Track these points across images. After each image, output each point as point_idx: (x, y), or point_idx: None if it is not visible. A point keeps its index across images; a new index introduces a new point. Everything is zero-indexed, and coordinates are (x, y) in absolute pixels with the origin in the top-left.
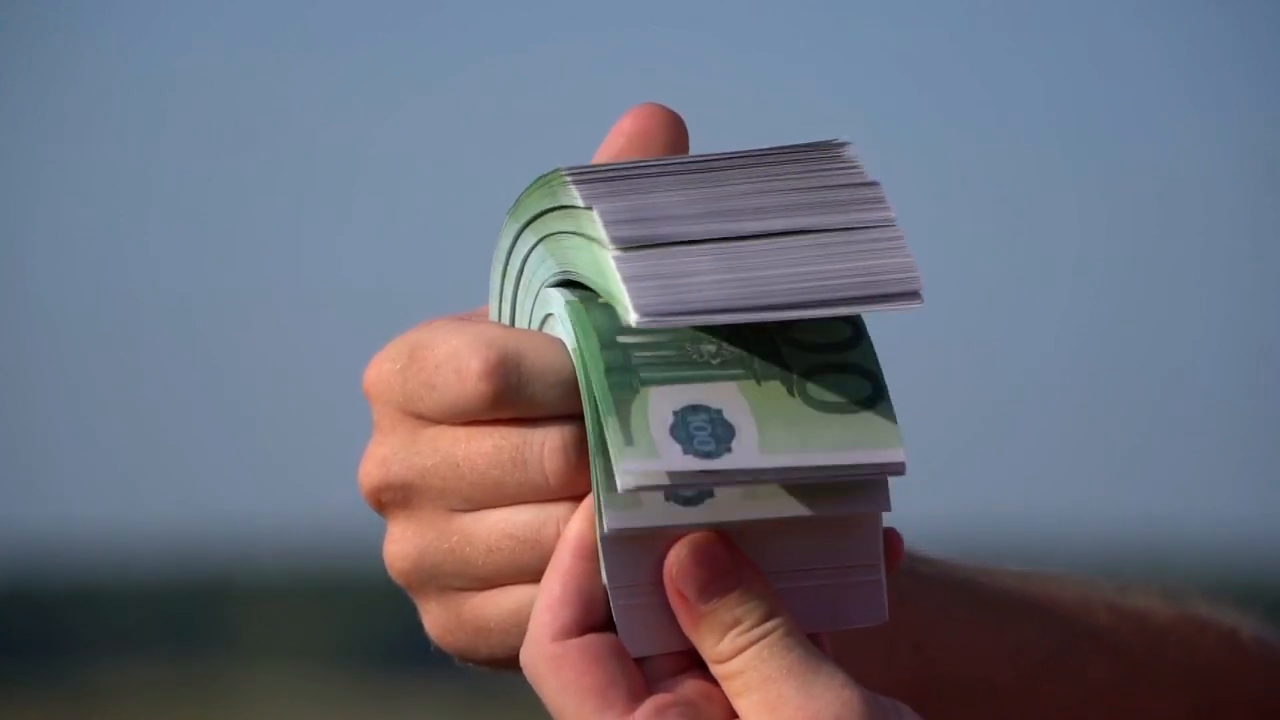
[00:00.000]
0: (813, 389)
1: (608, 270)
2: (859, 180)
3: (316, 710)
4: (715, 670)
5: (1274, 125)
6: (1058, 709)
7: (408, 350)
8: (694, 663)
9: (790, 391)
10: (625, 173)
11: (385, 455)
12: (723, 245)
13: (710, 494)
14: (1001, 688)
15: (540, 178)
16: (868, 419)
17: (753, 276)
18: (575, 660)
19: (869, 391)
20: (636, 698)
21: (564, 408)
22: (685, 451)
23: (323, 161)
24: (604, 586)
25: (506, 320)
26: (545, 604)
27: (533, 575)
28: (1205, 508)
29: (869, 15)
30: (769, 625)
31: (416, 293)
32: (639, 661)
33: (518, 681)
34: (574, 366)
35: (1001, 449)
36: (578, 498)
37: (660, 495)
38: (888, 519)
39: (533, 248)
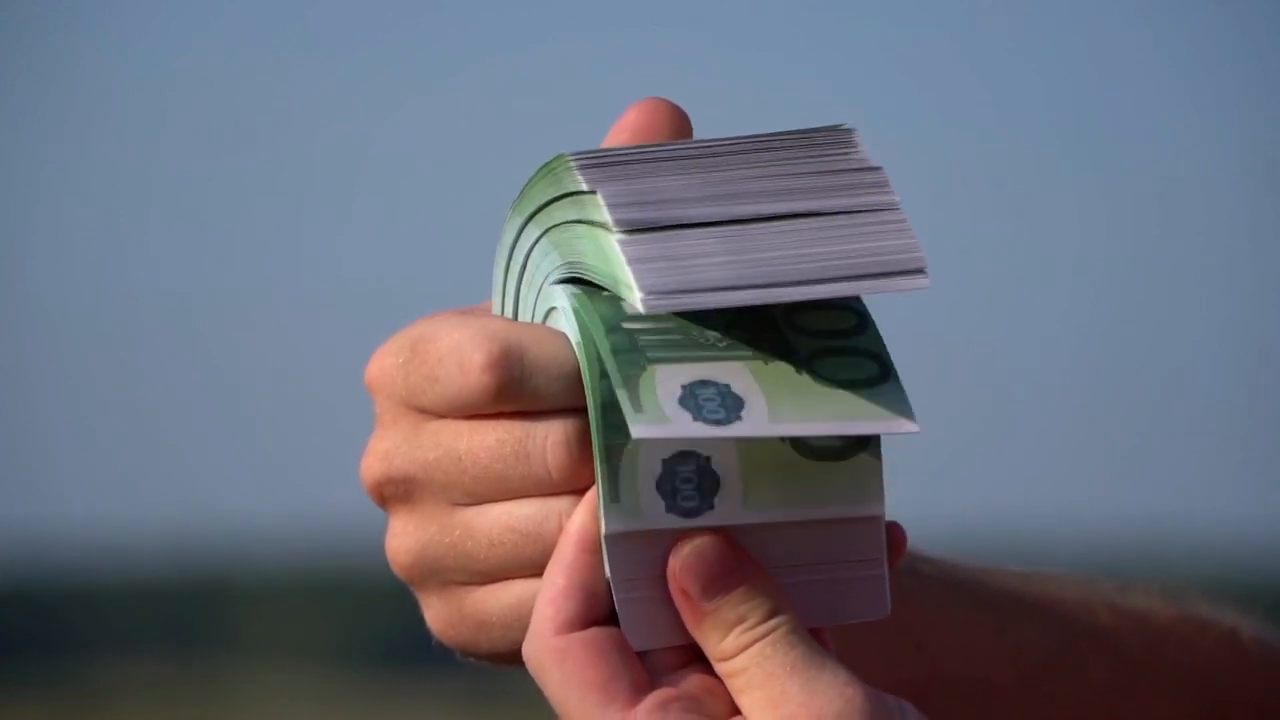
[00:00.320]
0: (820, 368)
1: (612, 255)
2: (863, 165)
3: (316, 709)
4: (719, 668)
5: (1274, 125)
6: (1058, 709)
7: (410, 344)
8: (697, 657)
9: (798, 370)
10: (630, 157)
11: (387, 449)
12: (727, 228)
13: (710, 506)
14: (1002, 687)
15: (544, 165)
16: (877, 393)
17: (758, 258)
18: (578, 654)
19: (876, 371)
20: (640, 692)
21: (567, 401)
22: (668, 509)
23: (323, 161)
24: (607, 580)
25: (509, 316)
26: (548, 597)
27: (535, 569)
28: (1205, 508)
29: (869, 15)
30: (773, 623)
31: (416, 292)
32: (642, 655)
33: (517, 681)
34: (577, 360)
35: (1001, 449)
36: (580, 491)
37: (662, 506)
38: (888, 515)
39: (536, 241)
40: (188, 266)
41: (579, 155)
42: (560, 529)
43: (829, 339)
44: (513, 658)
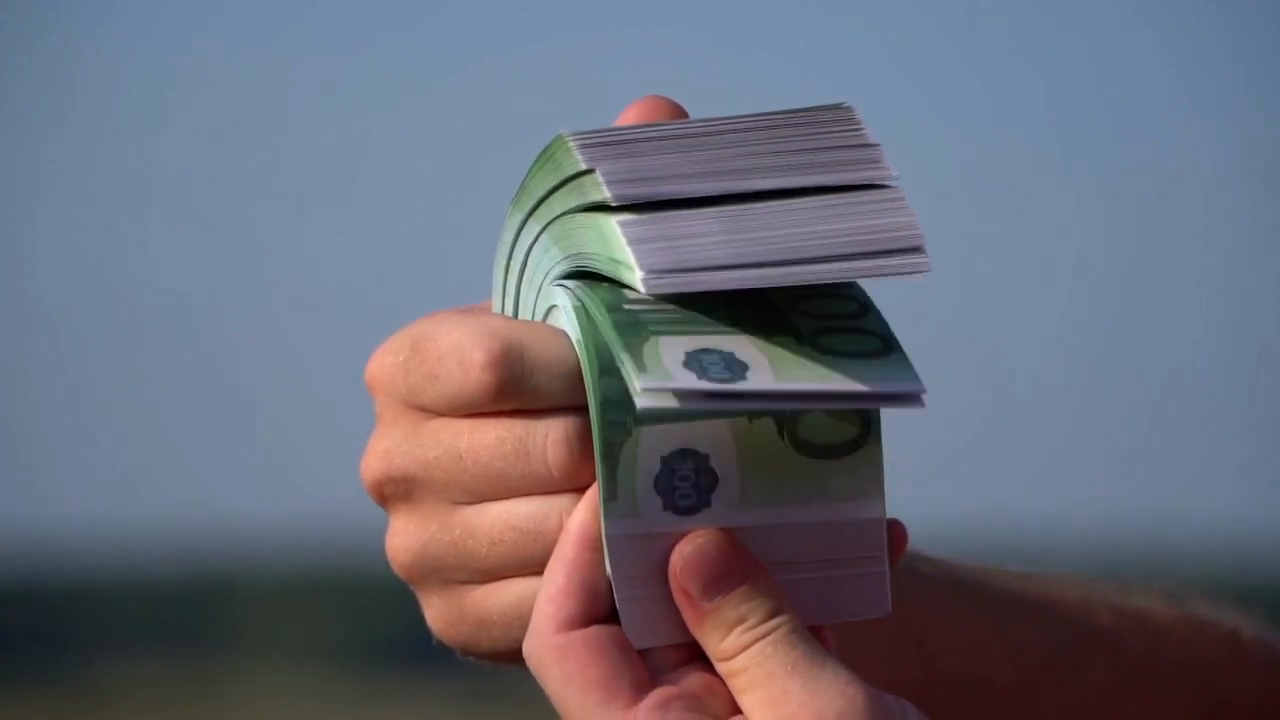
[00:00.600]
0: (824, 342)
1: (612, 238)
2: (861, 142)
3: (316, 708)
4: (720, 667)
5: (1274, 125)
6: (1058, 708)
7: (410, 343)
8: (697, 655)
9: (780, 432)
10: (628, 136)
11: (388, 448)
12: (726, 208)
13: (708, 504)
14: (1002, 687)
15: (544, 150)
16: (852, 464)
17: (756, 236)
18: (579, 652)
19: (858, 431)
20: (641, 690)
21: (567, 399)
22: (665, 507)
23: (323, 160)
24: (608, 578)
25: (510, 314)
26: (549, 595)
27: (535, 567)
28: (1205, 507)
29: (869, 15)
30: (774, 623)
31: (416, 291)
32: (642, 653)
33: (517, 680)
34: (577, 358)
35: (1001, 448)
36: (581, 489)
37: (659, 504)
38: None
39: (536, 238)
40: (188, 266)
41: (578, 136)
42: (561, 527)
43: (832, 320)
44: (513, 656)
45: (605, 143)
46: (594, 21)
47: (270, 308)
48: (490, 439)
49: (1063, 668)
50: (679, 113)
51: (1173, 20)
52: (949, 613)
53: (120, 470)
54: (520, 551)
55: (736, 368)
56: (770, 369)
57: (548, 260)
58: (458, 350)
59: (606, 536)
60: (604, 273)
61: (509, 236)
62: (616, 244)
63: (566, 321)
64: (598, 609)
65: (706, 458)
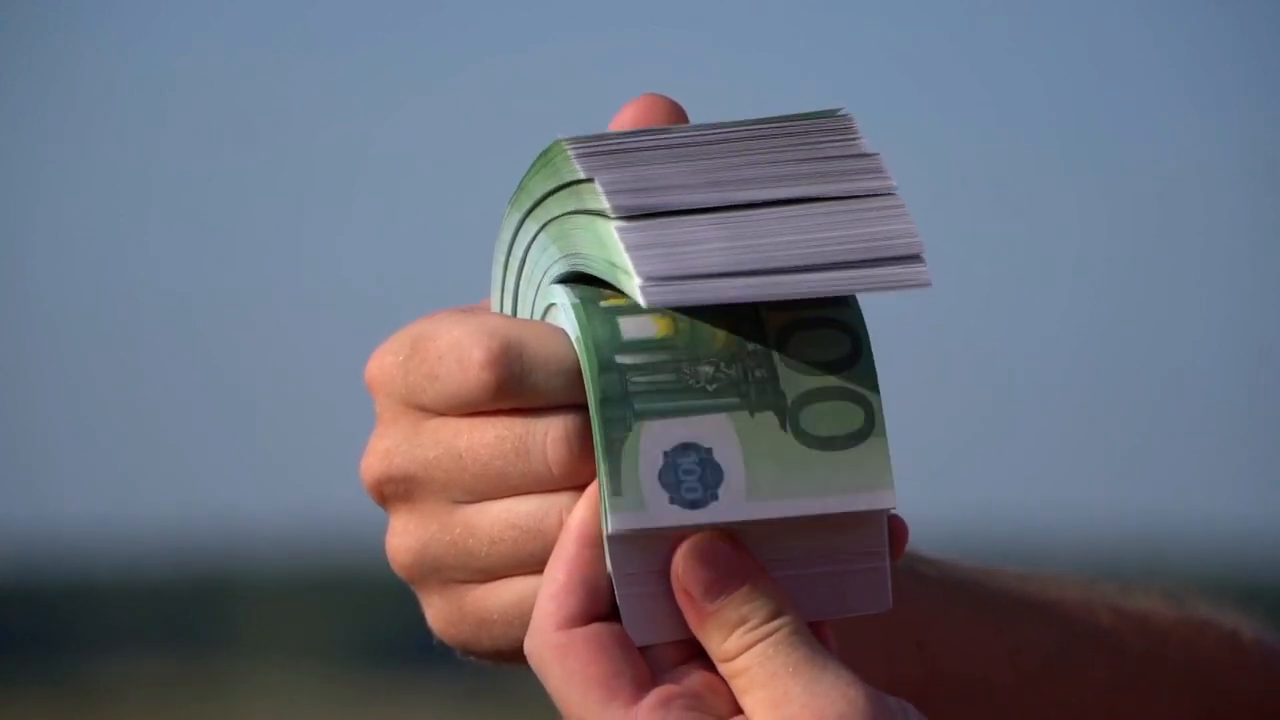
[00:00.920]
0: (805, 421)
1: (610, 243)
2: (859, 151)
3: (316, 707)
4: (721, 668)
5: (1274, 125)
6: (1058, 709)
7: (410, 342)
8: (698, 652)
9: (783, 424)
10: (626, 145)
11: (387, 448)
12: (725, 215)
13: (715, 497)
14: (1002, 687)
15: (542, 154)
16: (859, 456)
17: (755, 244)
18: (580, 649)
19: (861, 423)
20: (642, 688)
21: (567, 397)
22: (672, 501)
23: (323, 160)
24: (608, 575)
25: (509, 313)
26: (550, 592)
27: (536, 566)
28: (1205, 507)
29: (869, 14)
30: (775, 624)
31: (416, 291)
32: (643, 650)
33: (517, 680)
34: (577, 356)
35: (1001, 448)
36: (581, 487)
37: (665, 498)
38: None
39: (534, 237)
40: (187, 266)
41: (576, 143)
42: (561, 524)
43: (821, 374)
44: (514, 656)
45: (604, 151)
46: (594, 21)
47: (270, 307)
48: (490, 437)
49: (1063, 668)
50: (677, 112)
51: (1173, 20)
52: (949, 613)
53: (120, 470)
54: (521, 550)
55: (711, 477)
56: (744, 478)
57: (546, 258)
58: (457, 349)
59: (611, 532)
60: (601, 276)
61: (507, 235)
62: (615, 249)
63: (565, 319)
64: (599, 606)
65: (710, 451)
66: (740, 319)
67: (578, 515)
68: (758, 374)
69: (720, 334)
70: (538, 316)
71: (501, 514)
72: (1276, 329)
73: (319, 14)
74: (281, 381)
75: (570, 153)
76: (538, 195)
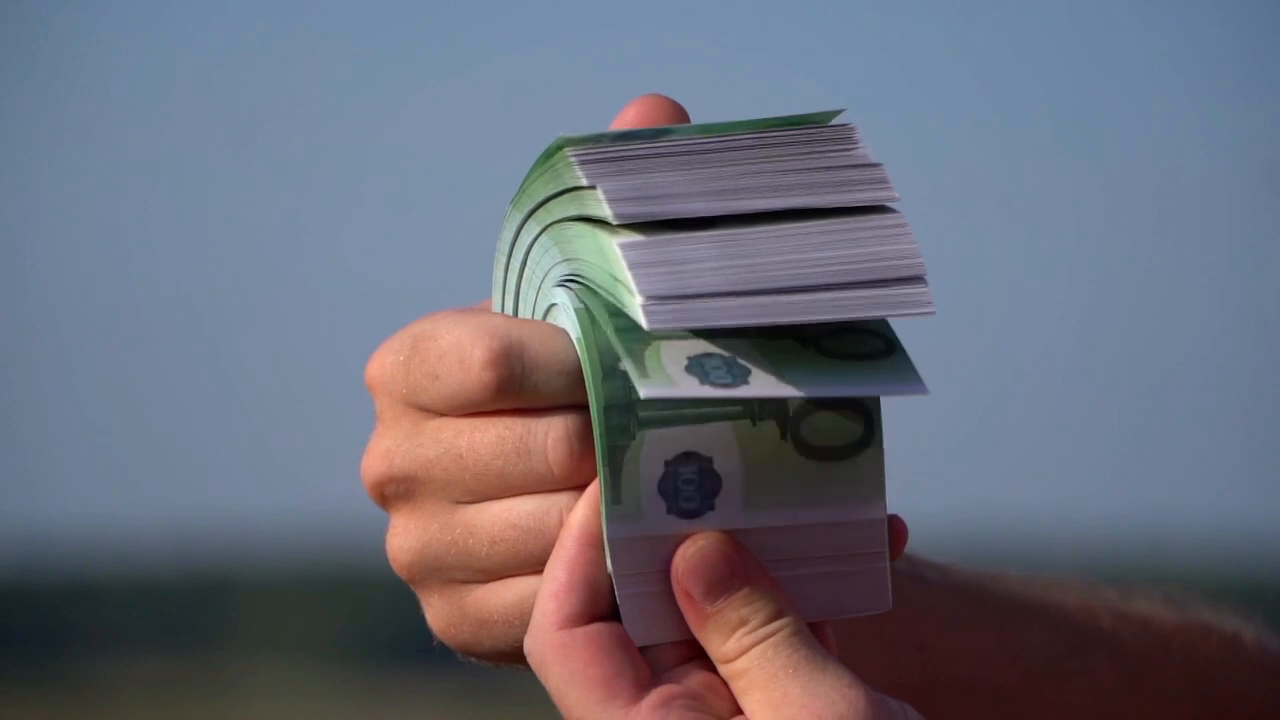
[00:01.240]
0: (806, 430)
1: (611, 255)
2: (863, 161)
3: (315, 705)
4: (722, 670)
5: (1274, 125)
6: (1060, 712)
7: (411, 342)
8: (698, 652)
9: (783, 435)
10: (628, 152)
11: (388, 448)
12: (725, 231)
13: (711, 507)
14: (1005, 690)
15: (544, 154)
16: (854, 466)
17: (754, 263)
18: (581, 649)
19: (860, 433)
20: (642, 689)
21: (568, 397)
22: (669, 510)
23: (325, 159)
24: (609, 575)
25: (510, 313)
26: (551, 591)
27: (536, 566)
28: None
29: (870, 14)
30: (775, 625)
31: (418, 289)
32: (643, 650)
33: (516, 678)
34: (578, 356)
35: (1000, 448)
36: (581, 487)
37: (663, 507)
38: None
39: (536, 238)
40: (188, 263)
41: (578, 148)
42: (561, 525)
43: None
44: (514, 656)
45: (606, 159)
46: (594, 21)
47: (270, 307)
48: (491, 437)
49: (1065, 672)
50: (678, 112)
51: (1173, 20)
52: (951, 617)
53: (120, 469)
54: (521, 550)
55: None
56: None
57: (548, 259)
58: (458, 348)
59: (609, 539)
60: (600, 285)
61: (509, 235)
62: (616, 263)
63: (567, 320)
64: (599, 606)
65: (710, 460)
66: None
67: (578, 515)
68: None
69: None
70: (539, 317)
71: (502, 514)
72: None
73: (322, 13)
74: (282, 381)
75: (572, 159)
76: (540, 198)
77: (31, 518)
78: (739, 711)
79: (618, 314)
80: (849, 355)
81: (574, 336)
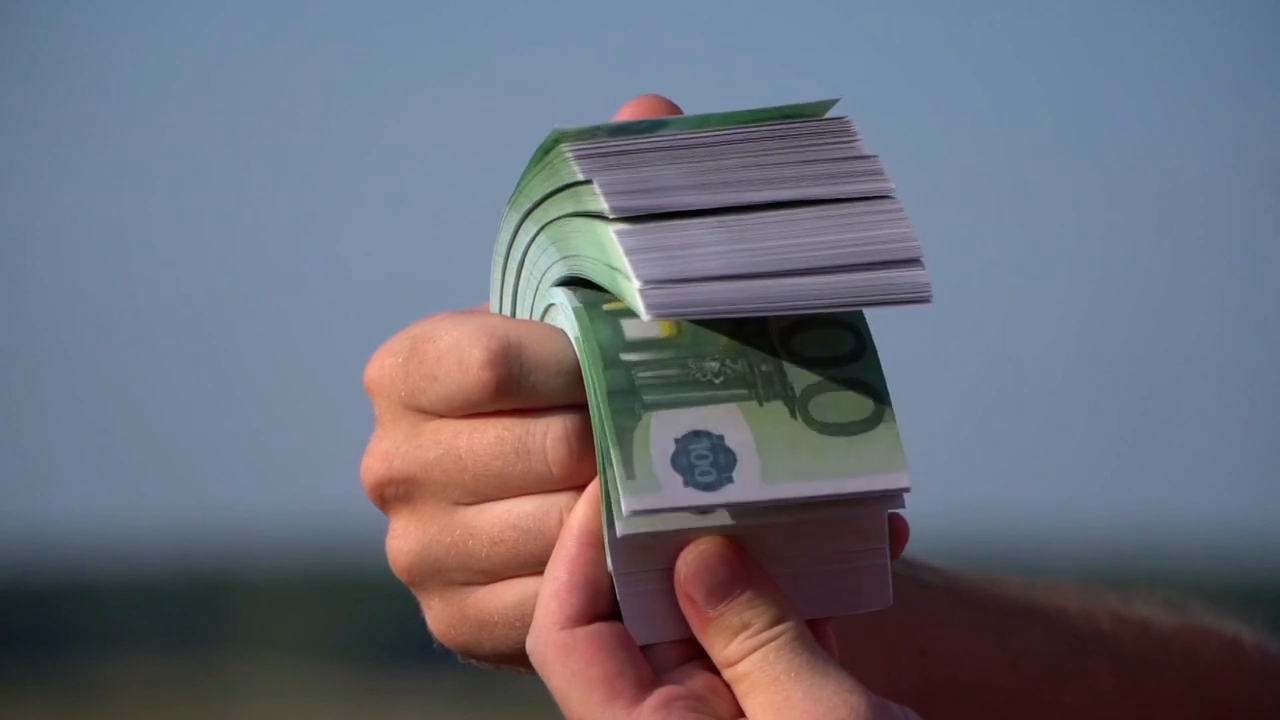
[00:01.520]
0: (815, 408)
1: (609, 246)
2: (858, 154)
3: (315, 705)
4: (725, 673)
5: (1274, 125)
6: (1060, 714)
7: (409, 343)
8: (700, 651)
9: (792, 413)
10: (625, 146)
11: (387, 450)
12: (724, 218)
13: (730, 480)
14: (1005, 693)
15: (540, 150)
16: (871, 440)
17: (753, 247)
18: (583, 649)
19: (871, 410)
20: (644, 689)
21: (566, 397)
22: (686, 484)
23: (325, 159)
24: (609, 574)
25: (508, 313)
26: (552, 591)
27: (536, 566)
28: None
29: (871, 13)
30: (777, 629)
31: (418, 289)
32: (645, 650)
33: (515, 678)
34: (576, 356)
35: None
36: (580, 487)
37: (680, 481)
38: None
39: (533, 238)
40: (188, 263)
41: (575, 143)
42: (561, 525)
43: (826, 368)
44: (514, 658)
45: (602, 153)
46: (594, 21)
47: (270, 307)
48: (490, 438)
49: (1065, 674)
50: (675, 112)
51: (1173, 20)
52: (951, 620)
53: (120, 469)
54: (521, 550)
55: (724, 463)
56: (758, 463)
57: (545, 259)
58: (456, 349)
59: (626, 513)
60: (599, 279)
61: (506, 236)
62: (614, 252)
63: (565, 320)
64: (600, 606)
65: (721, 437)
66: (743, 320)
67: (578, 514)
68: (764, 368)
69: (724, 334)
70: (537, 317)
71: (502, 515)
72: (1277, 329)
73: (319, 14)
74: (282, 381)
75: (569, 154)
76: (537, 197)
77: (31, 518)
78: (741, 714)
79: (613, 362)
80: (837, 426)
81: (572, 336)
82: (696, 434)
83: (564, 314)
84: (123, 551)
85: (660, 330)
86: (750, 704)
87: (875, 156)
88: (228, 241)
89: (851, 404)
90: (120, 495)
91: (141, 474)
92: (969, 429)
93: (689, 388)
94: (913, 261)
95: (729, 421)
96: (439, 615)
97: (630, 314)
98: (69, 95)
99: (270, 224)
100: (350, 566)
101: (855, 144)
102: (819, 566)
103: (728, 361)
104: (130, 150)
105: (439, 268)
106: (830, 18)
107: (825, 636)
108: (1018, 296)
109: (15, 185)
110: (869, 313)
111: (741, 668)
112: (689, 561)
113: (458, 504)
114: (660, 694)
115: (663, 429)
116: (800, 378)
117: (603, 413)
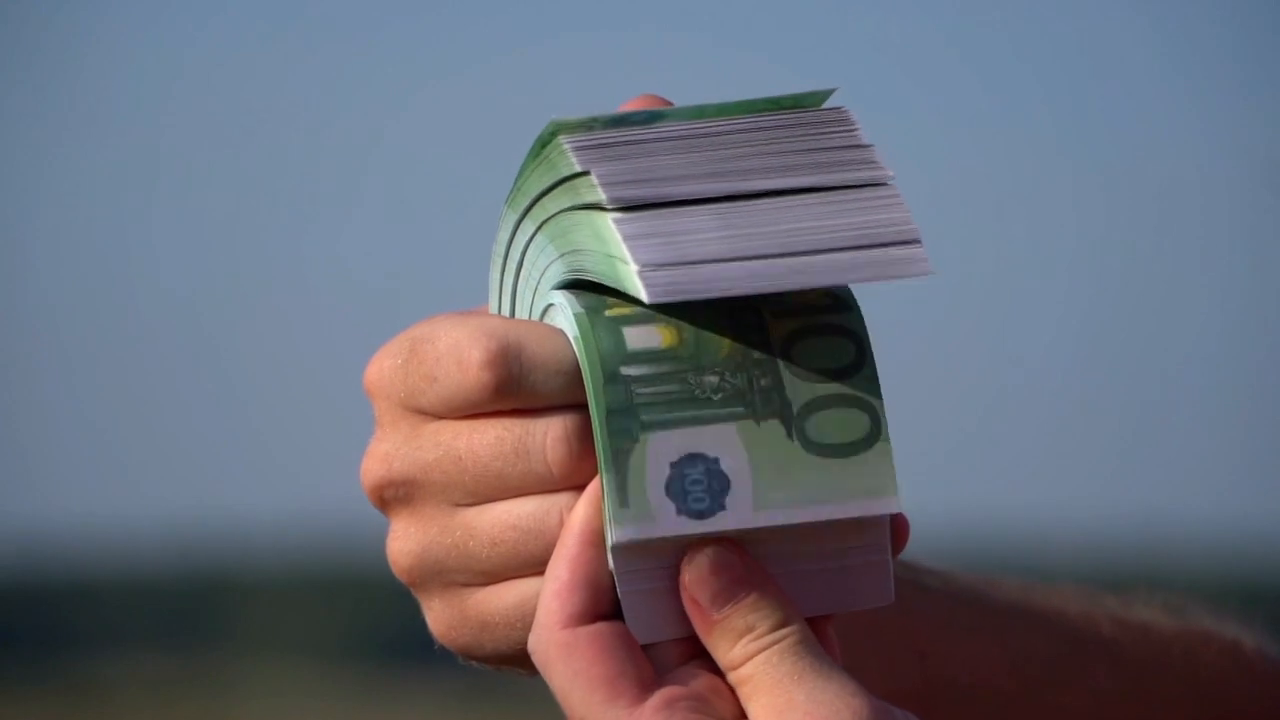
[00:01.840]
0: (811, 427)
1: (608, 235)
2: (856, 142)
3: (315, 704)
4: (728, 676)
5: (1274, 125)
6: (1061, 717)
7: (409, 345)
8: (701, 650)
9: (789, 433)
10: (623, 138)
11: (387, 452)
12: (722, 206)
13: (722, 507)
14: (1005, 696)
15: (538, 143)
16: (863, 462)
17: (751, 232)
18: (585, 649)
19: (867, 429)
20: (646, 689)
21: (566, 397)
22: (679, 512)
23: (325, 160)
24: (611, 573)
25: (507, 314)
26: (554, 590)
27: (537, 567)
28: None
29: (872, 13)
30: (781, 632)
31: (418, 290)
32: (646, 649)
33: (516, 678)
34: (575, 356)
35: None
36: (581, 487)
37: (673, 509)
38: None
39: (532, 237)
40: (188, 263)
41: (572, 136)
42: (562, 525)
43: (826, 380)
44: (515, 659)
45: (600, 144)
46: (594, 21)
47: (270, 307)
48: (489, 439)
49: (1064, 677)
50: None
51: (1173, 20)
52: (951, 623)
53: (120, 469)
54: (522, 551)
55: (718, 489)
56: (751, 487)
57: (544, 258)
58: (456, 350)
59: (616, 543)
60: (599, 272)
61: (504, 236)
62: (612, 240)
63: (564, 320)
64: (602, 605)
65: (716, 461)
66: (744, 327)
67: (579, 514)
68: (763, 382)
69: (725, 343)
70: (535, 317)
71: (502, 515)
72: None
73: (319, 14)
74: (282, 382)
75: (566, 146)
76: (534, 193)
77: (31, 518)
78: (743, 716)
79: (613, 378)
80: (832, 448)
81: (571, 336)
82: (692, 457)
83: (563, 314)
84: (123, 551)
85: (662, 340)
86: (753, 706)
87: (872, 145)
88: (228, 242)
89: (848, 423)
90: (120, 495)
91: (141, 474)
92: (969, 429)
93: (687, 405)
94: (911, 242)
95: (725, 443)
96: (439, 616)
97: (632, 320)
98: (69, 95)
99: (271, 224)
100: (350, 566)
101: (853, 133)
102: (820, 564)
103: (727, 375)
104: (130, 150)
105: (439, 268)
106: (830, 18)
107: (828, 639)
108: (1018, 296)
109: (15, 185)
110: (869, 318)
111: (745, 670)
112: (694, 565)
113: (458, 505)
114: (662, 694)
115: (659, 452)
116: (799, 392)
117: (599, 434)
